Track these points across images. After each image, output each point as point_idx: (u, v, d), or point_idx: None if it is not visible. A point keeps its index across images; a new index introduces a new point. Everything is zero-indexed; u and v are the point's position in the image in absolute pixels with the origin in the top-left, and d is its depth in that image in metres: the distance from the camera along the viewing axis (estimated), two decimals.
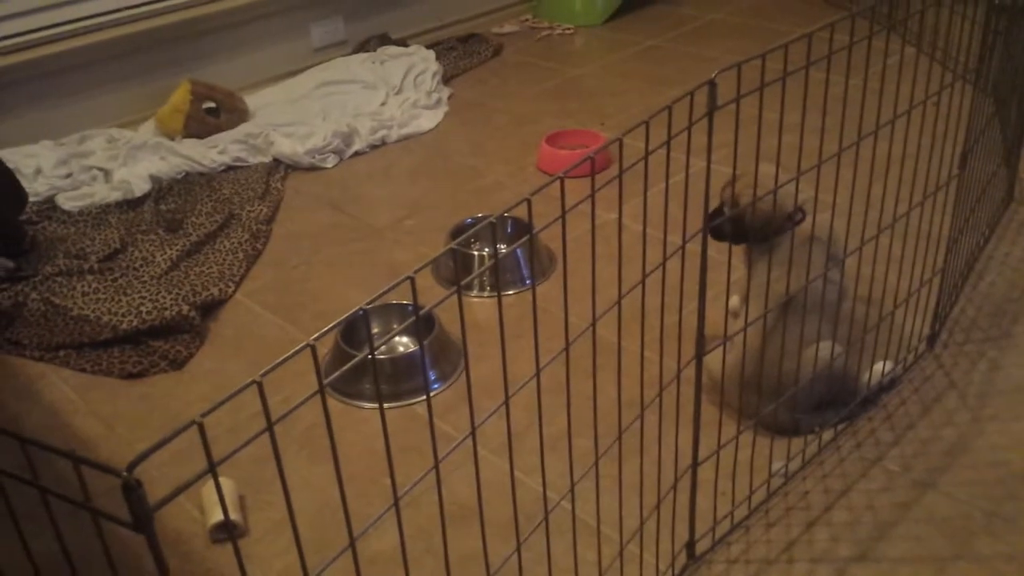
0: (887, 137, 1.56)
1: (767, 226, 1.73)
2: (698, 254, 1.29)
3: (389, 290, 0.81)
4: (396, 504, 0.86)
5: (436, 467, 0.91)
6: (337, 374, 0.78)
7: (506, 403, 1.01)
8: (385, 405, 1.98)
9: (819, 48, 1.34)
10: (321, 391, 0.74)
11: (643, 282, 1.19)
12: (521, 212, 2.46)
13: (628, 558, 1.51)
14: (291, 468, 1.80)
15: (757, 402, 1.72)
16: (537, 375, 1.04)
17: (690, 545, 1.54)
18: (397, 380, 2.01)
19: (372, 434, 1.90)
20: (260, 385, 0.68)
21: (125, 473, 0.59)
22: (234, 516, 1.66)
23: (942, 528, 1.57)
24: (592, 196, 1.06)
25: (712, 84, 1.19)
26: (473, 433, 0.96)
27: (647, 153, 1.12)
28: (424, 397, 2.00)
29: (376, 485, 1.75)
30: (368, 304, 0.79)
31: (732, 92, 1.21)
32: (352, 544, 0.82)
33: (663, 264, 1.22)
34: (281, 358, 0.69)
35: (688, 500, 1.50)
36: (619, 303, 1.16)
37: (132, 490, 0.59)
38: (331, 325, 0.77)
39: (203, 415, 0.64)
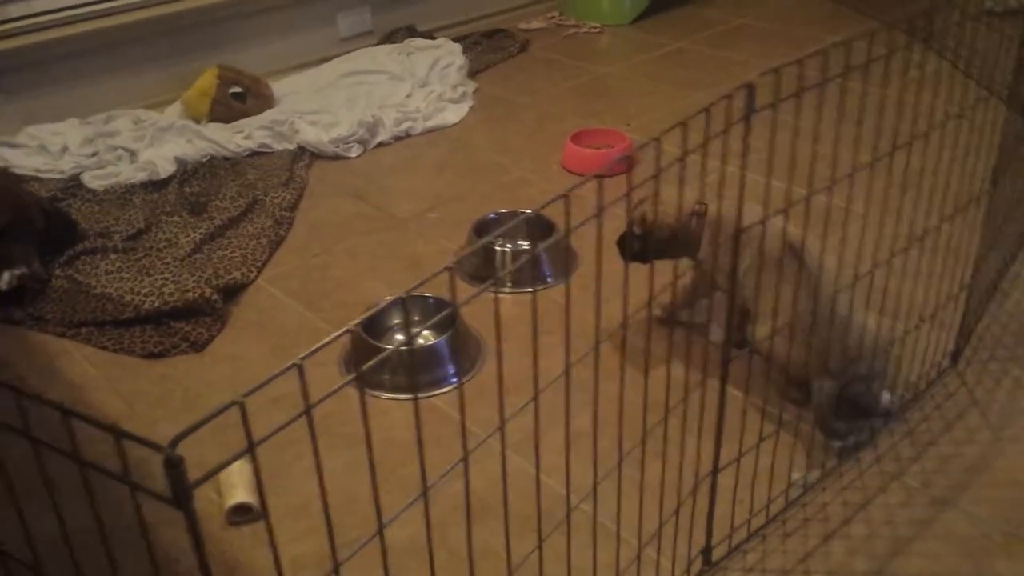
0: (915, 150, 1.55)
1: (672, 241, 1.87)
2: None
3: (428, 280, 0.81)
4: (425, 494, 0.85)
5: (465, 459, 0.90)
6: (373, 362, 0.78)
7: (535, 399, 1.01)
8: (402, 397, 1.98)
9: (852, 57, 1.33)
10: (358, 379, 0.74)
11: (674, 284, 1.19)
12: (547, 209, 2.45)
13: (644, 561, 1.51)
14: (307, 455, 1.80)
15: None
16: (567, 372, 1.04)
17: (706, 551, 1.53)
18: (415, 372, 2.02)
19: (390, 424, 1.89)
20: (301, 368, 0.68)
21: (168, 449, 0.59)
22: (251, 499, 1.66)
23: (960, 547, 1.56)
24: (628, 194, 1.05)
25: (751, 87, 1.18)
26: (502, 428, 0.96)
27: (684, 154, 1.12)
28: (442, 391, 2.00)
29: (393, 475, 1.75)
30: (406, 293, 0.78)
31: (761, 98, 1.20)
32: (380, 531, 0.82)
33: (694, 268, 1.21)
34: (323, 342, 0.69)
35: (707, 506, 1.49)
36: (650, 304, 1.16)
37: (174, 466, 0.59)
38: (370, 312, 0.77)
39: (245, 395, 0.63)
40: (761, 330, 1.77)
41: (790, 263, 1.68)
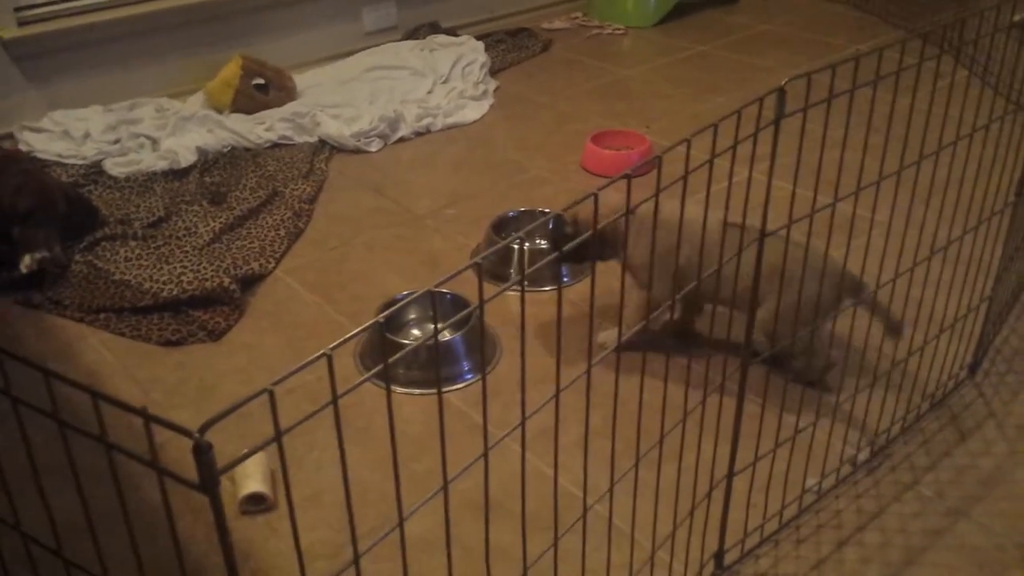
0: (938, 160, 1.54)
1: (600, 241, 1.91)
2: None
3: (455, 275, 0.81)
4: (445, 488, 0.85)
5: (485, 455, 0.90)
6: (400, 354, 0.78)
7: (556, 397, 1.01)
8: (417, 391, 1.98)
9: (871, 65, 1.33)
10: (386, 370, 0.74)
11: (698, 285, 1.18)
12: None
13: (656, 564, 1.51)
14: (322, 446, 1.81)
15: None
16: (588, 371, 1.04)
17: (718, 555, 1.53)
18: (431, 367, 2.02)
19: (403, 419, 1.90)
20: (330, 358, 0.68)
21: (197, 434, 0.59)
22: (264, 489, 1.67)
23: (974, 558, 1.55)
24: (656, 196, 1.05)
25: (781, 92, 1.18)
26: (523, 424, 0.96)
27: (712, 156, 1.12)
28: (456, 387, 2.00)
29: (406, 469, 1.76)
30: (435, 286, 0.79)
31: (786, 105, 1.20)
32: (401, 524, 0.82)
33: (718, 270, 1.21)
34: (351, 332, 0.69)
35: (721, 510, 1.49)
36: (673, 304, 1.16)
37: (203, 452, 0.59)
38: (398, 305, 0.77)
39: (274, 384, 0.64)
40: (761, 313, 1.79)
41: (733, 237, 1.66)
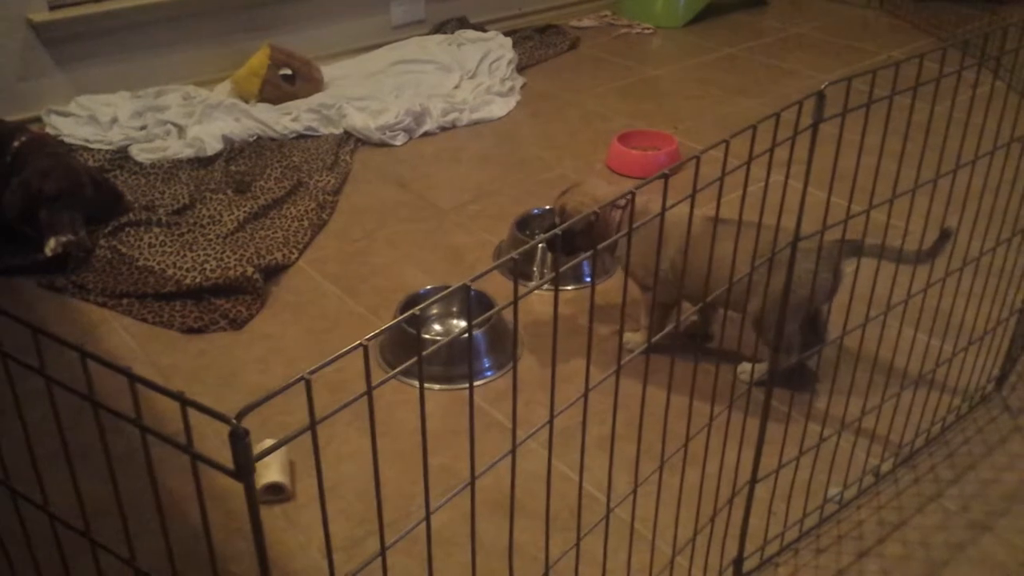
0: (970, 170, 1.52)
1: (590, 232, 1.92)
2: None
3: (491, 270, 0.80)
4: (472, 483, 0.85)
5: (513, 452, 0.90)
6: (437, 345, 0.77)
7: (585, 396, 1.00)
8: (436, 387, 1.97)
9: (908, 72, 1.31)
10: (420, 365, 0.74)
11: (728, 289, 1.17)
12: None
13: (675, 568, 1.49)
14: (341, 439, 1.81)
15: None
16: (617, 371, 1.03)
17: (738, 562, 1.51)
18: (451, 363, 2.01)
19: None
20: (366, 349, 0.67)
21: (234, 421, 0.59)
22: (283, 479, 1.67)
23: (996, 573, 1.53)
24: (692, 196, 1.04)
25: (821, 95, 1.16)
26: (551, 422, 0.95)
27: (750, 159, 1.10)
28: (476, 383, 2.00)
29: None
30: (471, 280, 0.78)
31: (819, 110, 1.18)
32: (428, 518, 0.81)
33: (750, 274, 1.20)
34: (388, 324, 0.68)
35: (742, 517, 1.47)
36: (703, 306, 1.14)
37: (240, 438, 0.59)
38: (436, 296, 0.76)
39: (311, 372, 0.63)
40: (753, 303, 1.78)
41: (720, 230, 1.67)
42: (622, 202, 1.90)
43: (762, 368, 1.87)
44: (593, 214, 0.89)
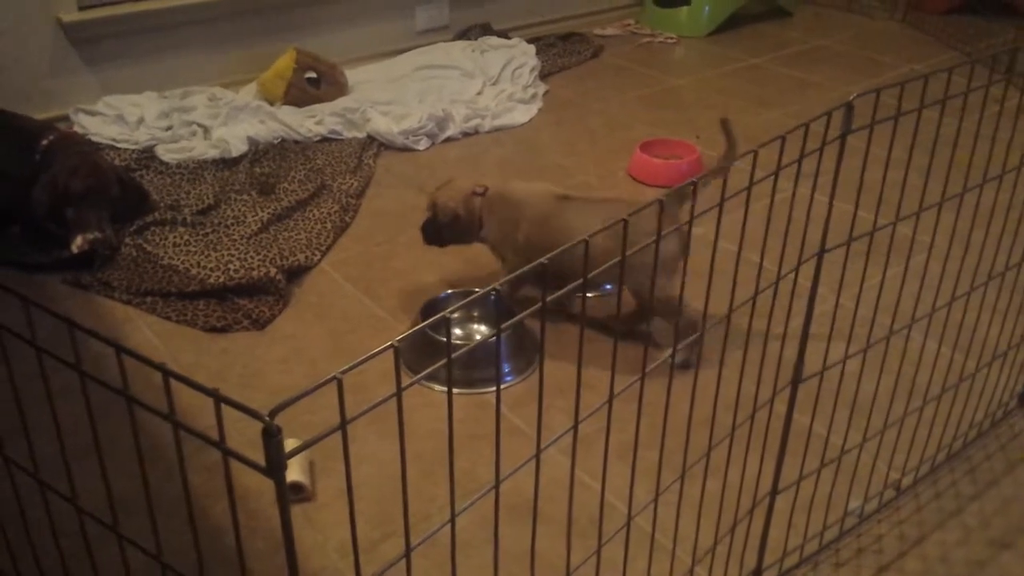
0: (995, 185, 1.52)
1: (456, 224, 2.11)
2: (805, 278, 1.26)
3: (520, 273, 0.81)
4: (497, 487, 0.85)
5: (537, 456, 0.90)
6: (465, 349, 0.78)
7: (609, 401, 1.00)
8: (456, 391, 1.98)
9: (935, 86, 1.30)
10: (448, 365, 0.74)
11: (754, 299, 1.17)
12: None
13: None
14: (359, 442, 1.81)
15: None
16: (642, 378, 1.03)
17: (757, 573, 1.51)
18: (471, 367, 2.02)
19: (441, 417, 1.90)
20: (396, 350, 0.68)
21: (268, 418, 0.59)
22: (303, 479, 1.67)
23: None
24: (720, 205, 1.04)
25: (849, 107, 1.16)
26: (576, 427, 0.95)
27: (778, 168, 1.10)
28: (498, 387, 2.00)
29: (443, 467, 1.76)
30: (500, 284, 0.78)
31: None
32: (452, 521, 0.82)
33: (776, 284, 1.20)
34: (420, 324, 0.69)
35: (761, 528, 1.47)
36: (728, 317, 1.15)
37: (272, 435, 0.59)
38: (468, 298, 0.77)
39: (343, 371, 0.64)
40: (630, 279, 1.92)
41: (561, 208, 2.03)
42: (480, 189, 2.13)
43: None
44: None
